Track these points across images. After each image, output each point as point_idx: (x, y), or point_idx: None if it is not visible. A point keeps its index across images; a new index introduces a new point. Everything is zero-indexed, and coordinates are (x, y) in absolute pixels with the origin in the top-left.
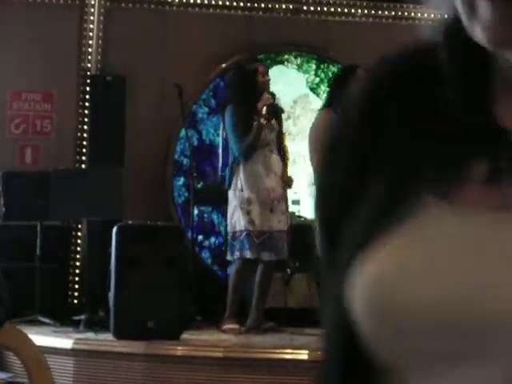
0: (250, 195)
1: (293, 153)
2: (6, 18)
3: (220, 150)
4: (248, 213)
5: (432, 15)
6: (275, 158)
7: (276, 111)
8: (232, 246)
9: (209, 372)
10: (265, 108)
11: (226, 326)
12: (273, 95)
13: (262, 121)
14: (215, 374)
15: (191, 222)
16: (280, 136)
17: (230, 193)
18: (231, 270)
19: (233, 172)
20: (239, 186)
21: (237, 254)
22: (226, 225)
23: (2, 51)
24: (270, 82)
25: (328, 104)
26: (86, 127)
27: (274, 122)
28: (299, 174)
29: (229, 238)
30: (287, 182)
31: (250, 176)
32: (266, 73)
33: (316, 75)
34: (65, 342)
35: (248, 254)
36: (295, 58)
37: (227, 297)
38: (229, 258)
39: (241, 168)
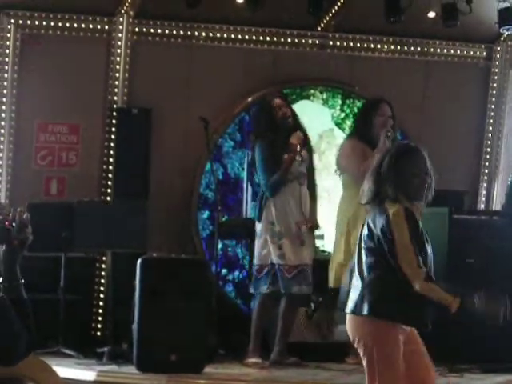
0: (281, 229)
1: (318, 188)
2: (34, 50)
3: (244, 184)
4: (280, 247)
5: (458, 51)
6: (305, 191)
7: (307, 144)
8: (258, 280)
9: None
10: (298, 144)
11: (249, 360)
12: (302, 128)
13: (297, 157)
14: None
15: (215, 256)
16: (310, 170)
17: (260, 226)
18: (255, 304)
19: (262, 205)
20: (270, 219)
21: (264, 287)
22: (250, 258)
23: (30, 83)
24: (293, 112)
25: (353, 133)
26: (111, 159)
27: (304, 154)
28: (324, 208)
29: (254, 271)
30: (313, 226)
31: (280, 209)
32: (283, 105)
33: (341, 110)
34: (88, 374)
35: (278, 288)
36: (321, 92)
37: (251, 330)
38: (252, 291)
39: (271, 201)
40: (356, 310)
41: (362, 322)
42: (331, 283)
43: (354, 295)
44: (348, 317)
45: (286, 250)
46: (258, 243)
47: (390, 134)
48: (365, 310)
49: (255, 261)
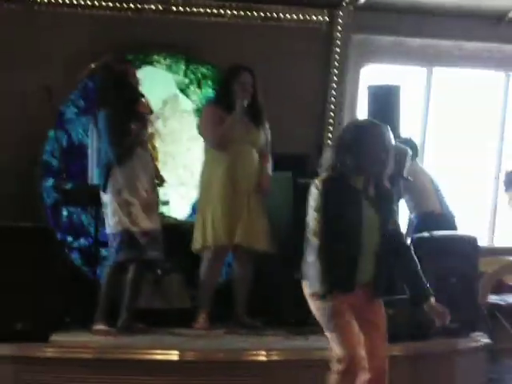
0: (130, 196)
1: (162, 153)
2: None
3: (89, 151)
4: (129, 214)
5: (303, 17)
6: (149, 157)
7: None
8: (112, 249)
9: (80, 374)
10: (145, 112)
11: (97, 327)
12: (145, 96)
13: (145, 126)
14: (86, 375)
15: (60, 223)
16: (149, 136)
17: (107, 195)
18: (103, 271)
19: (108, 174)
20: (117, 187)
21: (118, 256)
22: (96, 225)
23: None
24: (140, 82)
25: (212, 100)
26: None
27: (147, 124)
28: (169, 175)
29: (108, 240)
30: (160, 181)
31: (128, 176)
32: (135, 74)
33: (185, 76)
34: None
35: (132, 255)
36: (164, 58)
37: (98, 298)
38: (110, 259)
39: (117, 169)
40: (300, 275)
41: (304, 285)
42: (197, 246)
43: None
44: None
45: (136, 216)
46: (107, 212)
47: (246, 101)
48: (301, 275)
49: (107, 230)
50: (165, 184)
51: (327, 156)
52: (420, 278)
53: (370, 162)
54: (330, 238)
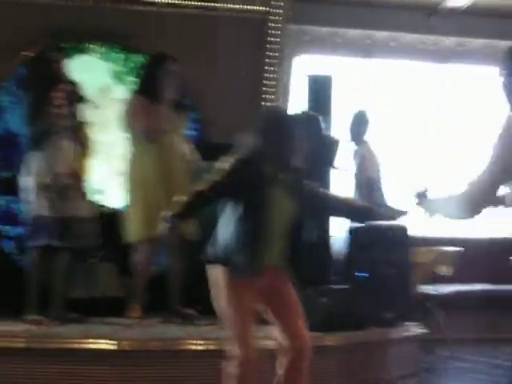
0: (47, 181)
1: (96, 142)
2: None
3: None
4: (47, 199)
5: (239, 6)
6: (68, 144)
7: (76, 99)
8: (29, 233)
9: (11, 363)
10: (61, 98)
11: (28, 317)
12: (74, 84)
13: (60, 110)
14: (17, 364)
15: None
16: (76, 124)
17: (25, 179)
18: (28, 259)
19: (27, 158)
20: (33, 171)
21: (36, 241)
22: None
23: None
24: (70, 71)
25: (137, 89)
26: None
27: (68, 109)
28: (102, 163)
29: (25, 225)
30: (75, 175)
31: (45, 162)
32: (63, 63)
33: (121, 65)
34: None
35: (48, 241)
36: (99, 47)
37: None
38: (30, 244)
39: (35, 154)
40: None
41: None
42: (129, 237)
43: None
44: None
45: (53, 202)
46: (25, 196)
47: (173, 89)
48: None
49: (25, 215)
50: (83, 178)
51: (246, 140)
52: (352, 201)
53: (279, 149)
54: (235, 217)
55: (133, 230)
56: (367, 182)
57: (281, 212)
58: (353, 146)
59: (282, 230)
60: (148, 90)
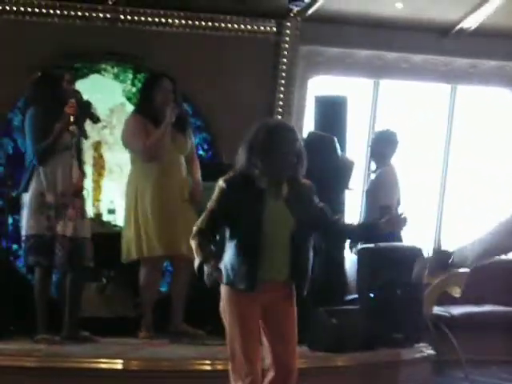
0: (51, 200)
1: (109, 162)
2: None
3: None
4: (48, 218)
5: (252, 27)
6: (72, 162)
7: (85, 117)
8: (26, 251)
9: (22, 382)
10: (71, 114)
11: (39, 336)
12: (88, 103)
13: (70, 128)
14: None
15: (5, 231)
16: (79, 142)
17: (27, 195)
18: (34, 278)
19: (30, 174)
20: (40, 189)
21: (31, 259)
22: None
23: None
24: (82, 90)
25: (136, 109)
26: None
27: (75, 126)
28: (115, 183)
29: (22, 242)
30: (76, 194)
31: (50, 179)
32: (72, 82)
33: (133, 85)
34: None
35: (51, 261)
36: (112, 67)
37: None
38: (30, 263)
39: (40, 170)
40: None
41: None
42: (123, 258)
43: None
44: None
45: (56, 221)
46: (25, 213)
47: (175, 109)
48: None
49: (23, 231)
50: (83, 192)
51: (239, 155)
52: (356, 224)
53: (276, 165)
54: (232, 235)
55: (136, 251)
56: (380, 211)
57: (279, 224)
58: (372, 166)
59: (282, 242)
60: (145, 110)
